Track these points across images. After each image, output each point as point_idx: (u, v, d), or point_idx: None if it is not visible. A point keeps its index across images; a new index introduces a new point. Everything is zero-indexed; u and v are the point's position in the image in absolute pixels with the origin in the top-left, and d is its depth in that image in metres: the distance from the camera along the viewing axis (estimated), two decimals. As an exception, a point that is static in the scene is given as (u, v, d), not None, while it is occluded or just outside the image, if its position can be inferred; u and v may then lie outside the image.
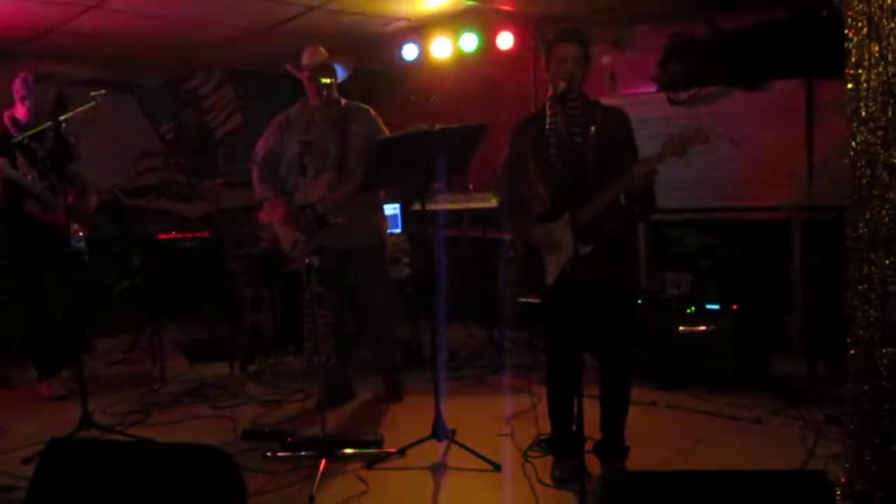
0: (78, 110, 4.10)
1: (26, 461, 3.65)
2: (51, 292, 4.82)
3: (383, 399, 4.62)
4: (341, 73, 4.37)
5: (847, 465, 2.84)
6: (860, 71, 2.69)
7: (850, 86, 2.73)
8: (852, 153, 2.74)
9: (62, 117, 4.07)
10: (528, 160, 3.32)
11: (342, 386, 4.63)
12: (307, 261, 3.70)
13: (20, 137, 4.51)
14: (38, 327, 4.88)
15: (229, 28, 5.73)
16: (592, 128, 3.19)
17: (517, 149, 3.40)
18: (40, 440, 3.40)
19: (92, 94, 4.05)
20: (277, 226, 4.45)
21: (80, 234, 4.72)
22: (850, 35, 2.70)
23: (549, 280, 3.26)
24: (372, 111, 4.49)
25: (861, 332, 2.75)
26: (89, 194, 4.97)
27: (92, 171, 5.10)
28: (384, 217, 4.77)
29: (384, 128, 4.46)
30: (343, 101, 4.44)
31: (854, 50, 2.70)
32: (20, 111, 4.65)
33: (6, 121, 4.65)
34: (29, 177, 4.59)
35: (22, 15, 5.08)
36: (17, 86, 4.63)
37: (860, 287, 2.74)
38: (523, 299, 5.21)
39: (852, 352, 2.79)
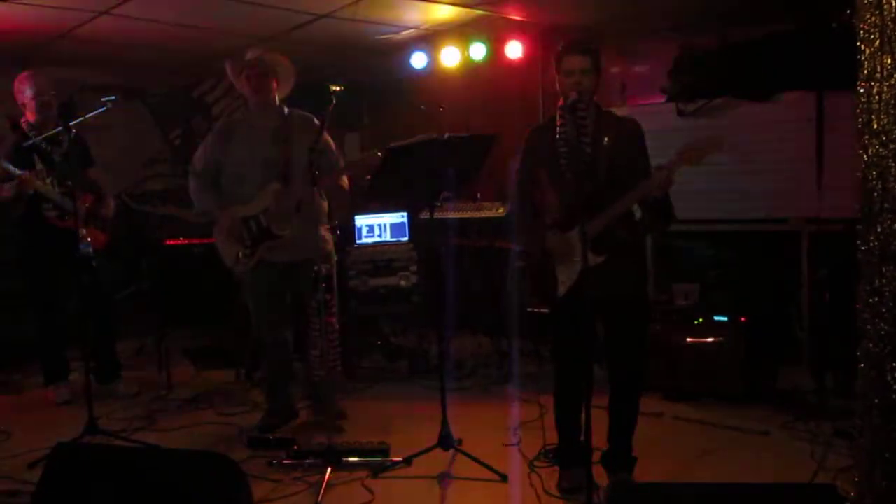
0: (89, 115, 4.13)
1: (31, 466, 3.67)
2: (62, 298, 4.84)
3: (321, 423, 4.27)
4: (285, 81, 4.12)
5: (856, 479, 2.81)
6: (872, 83, 2.67)
7: (861, 98, 2.71)
8: (863, 166, 2.73)
9: (73, 122, 4.08)
10: (540, 169, 3.31)
11: (290, 408, 4.44)
12: (316, 268, 3.69)
13: (34, 140, 4.54)
14: (49, 332, 4.89)
15: (239, 35, 5.73)
16: (607, 138, 3.18)
17: (530, 158, 3.40)
18: (46, 445, 3.39)
19: (102, 99, 4.07)
20: (219, 239, 4.20)
21: (89, 239, 4.73)
22: (863, 47, 2.69)
23: (562, 290, 3.24)
24: (316, 120, 4.12)
25: (871, 345, 2.72)
26: (107, 199, 4.98)
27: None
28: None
29: (329, 139, 4.13)
30: (286, 109, 4.17)
31: (866, 62, 2.68)
32: (30, 114, 4.66)
33: (24, 126, 4.67)
34: (48, 180, 4.61)
35: (33, 21, 5.10)
36: (19, 89, 4.64)
37: (871, 300, 2.71)
38: (532, 309, 5.19)
39: (862, 366, 2.76)
